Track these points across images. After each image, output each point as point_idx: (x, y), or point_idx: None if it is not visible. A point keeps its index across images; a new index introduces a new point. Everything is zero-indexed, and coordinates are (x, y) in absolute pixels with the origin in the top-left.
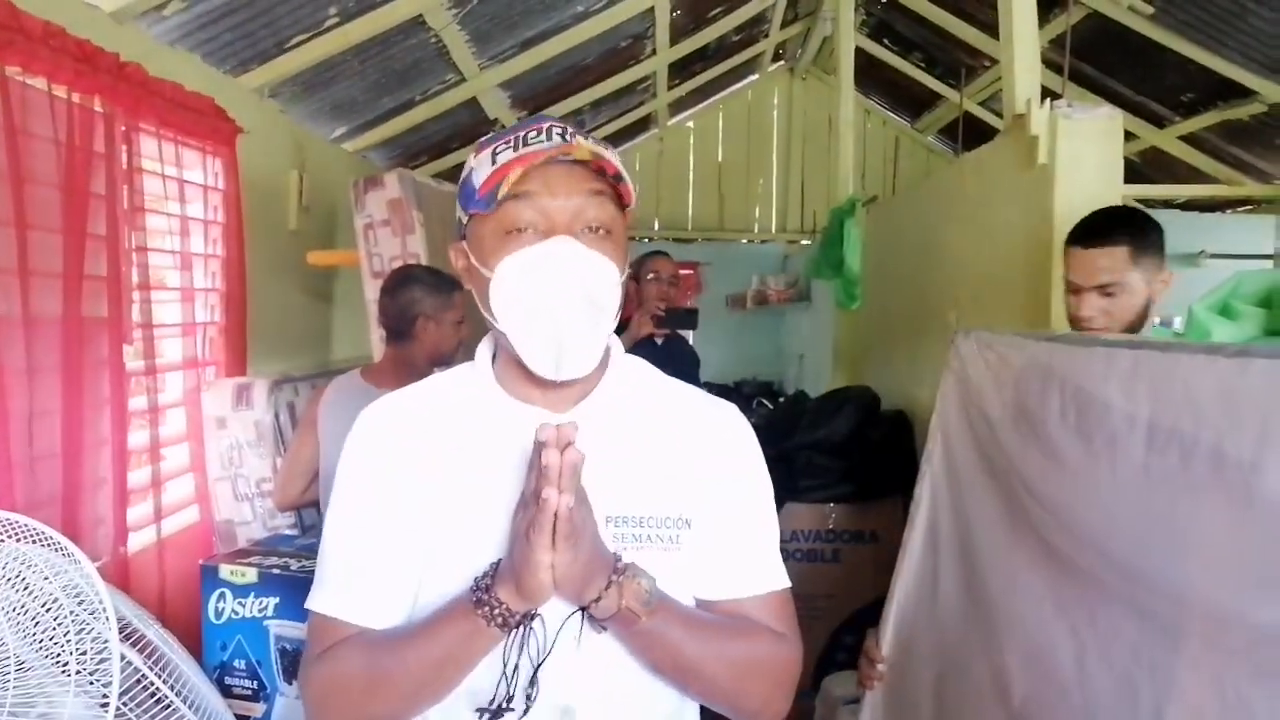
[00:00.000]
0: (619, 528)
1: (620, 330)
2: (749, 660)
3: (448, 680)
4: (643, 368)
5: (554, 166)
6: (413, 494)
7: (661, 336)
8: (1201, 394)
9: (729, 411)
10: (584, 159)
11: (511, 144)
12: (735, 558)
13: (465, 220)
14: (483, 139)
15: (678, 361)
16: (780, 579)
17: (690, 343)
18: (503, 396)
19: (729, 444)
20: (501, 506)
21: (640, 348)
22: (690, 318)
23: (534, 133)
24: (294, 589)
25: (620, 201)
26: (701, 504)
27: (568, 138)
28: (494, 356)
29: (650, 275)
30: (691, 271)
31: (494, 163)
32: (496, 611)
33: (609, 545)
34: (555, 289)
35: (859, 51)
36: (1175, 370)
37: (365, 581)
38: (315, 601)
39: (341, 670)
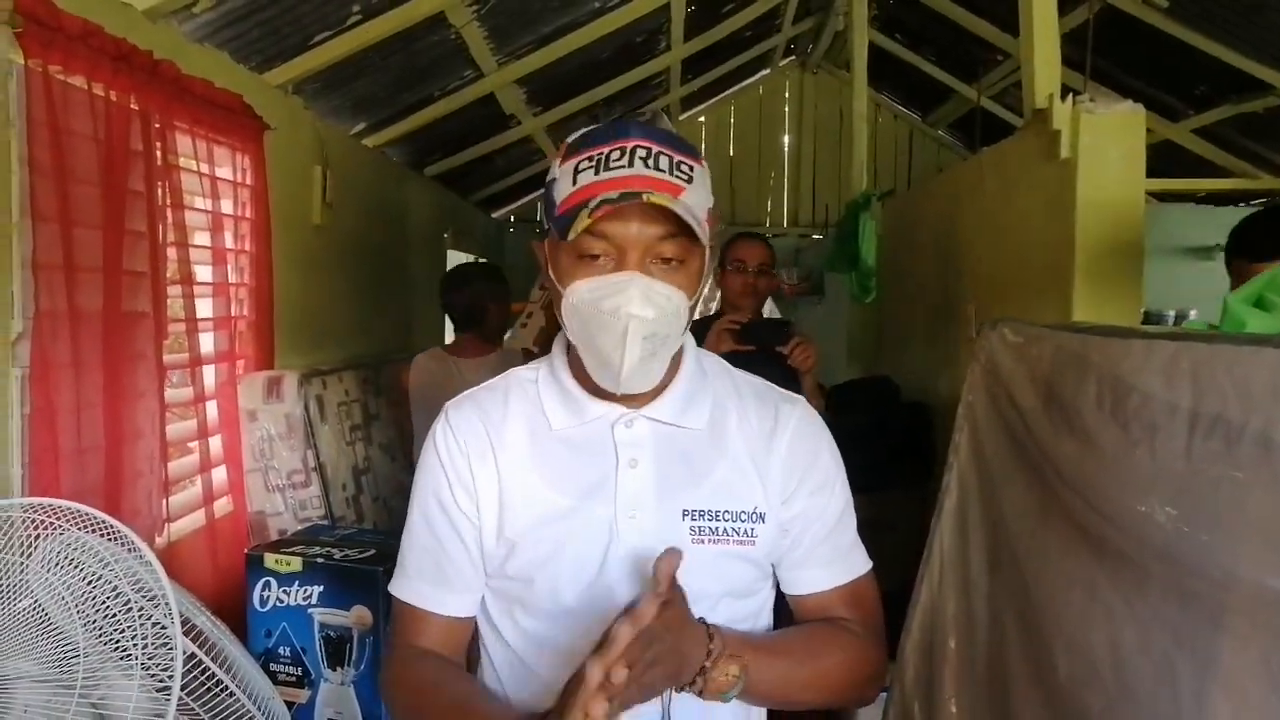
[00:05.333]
0: (695, 521)
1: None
2: (837, 676)
3: None
4: (717, 363)
5: (630, 203)
6: (491, 485)
7: (746, 353)
8: (1250, 383)
9: (800, 404)
10: (660, 204)
11: (594, 164)
12: (817, 551)
13: (547, 225)
14: (569, 141)
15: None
16: (862, 563)
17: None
18: (579, 392)
19: (801, 436)
20: (576, 496)
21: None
22: (778, 331)
23: (617, 153)
24: (337, 578)
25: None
26: (774, 498)
27: (649, 164)
28: (568, 347)
29: (734, 264)
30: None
31: (575, 182)
32: None
33: (686, 541)
34: (619, 321)
35: (870, 46)
36: (1220, 360)
37: (445, 572)
38: (397, 588)
39: (402, 688)
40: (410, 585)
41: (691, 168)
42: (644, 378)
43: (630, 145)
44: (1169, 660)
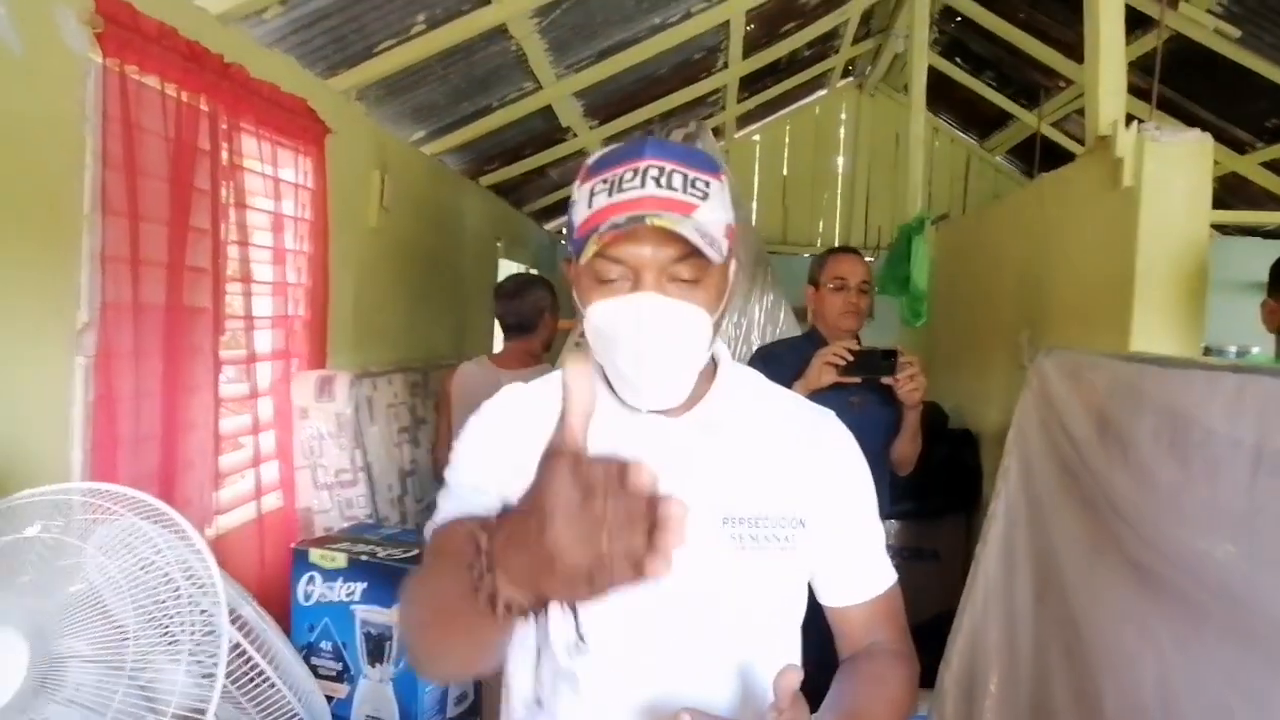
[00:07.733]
0: (735, 528)
1: (792, 370)
2: (893, 713)
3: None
4: (753, 377)
5: (636, 225)
6: (521, 481)
7: (852, 386)
8: None
9: (830, 418)
10: (664, 226)
11: (607, 186)
12: (847, 563)
13: (568, 247)
14: (587, 164)
15: (870, 436)
16: (889, 575)
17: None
18: (615, 401)
19: (832, 449)
20: None
21: (827, 403)
22: (887, 361)
23: (630, 173)
24: (381, 576)
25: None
26: (813, 505)
27: (661, 183)
28: None
29: (833, 282)
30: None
31: (590, 205)
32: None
33: (724, 547)
34: (636, 341)
35: (930, 69)
36: None
37: (476, 507)
38: (428, 529)
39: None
40: (441, 517)
41: (708, 184)
42: (667, 395)
43: (643, 165)
44: (1224, 704)
